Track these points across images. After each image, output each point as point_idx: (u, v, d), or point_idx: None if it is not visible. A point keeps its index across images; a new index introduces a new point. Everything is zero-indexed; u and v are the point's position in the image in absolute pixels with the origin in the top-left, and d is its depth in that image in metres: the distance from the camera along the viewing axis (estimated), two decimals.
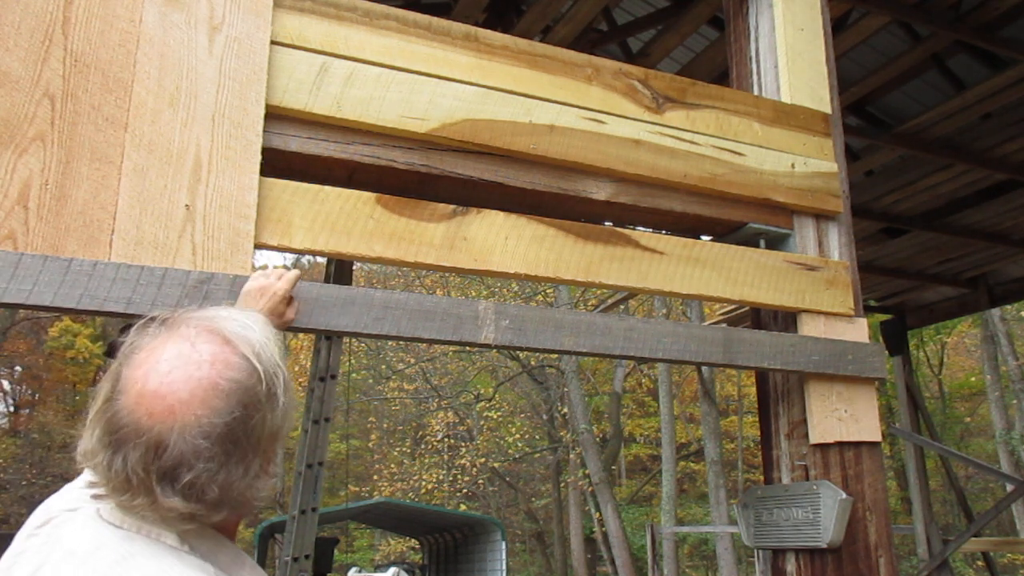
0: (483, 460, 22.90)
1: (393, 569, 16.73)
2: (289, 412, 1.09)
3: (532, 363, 21.07)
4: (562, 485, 22.72)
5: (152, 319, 1.08)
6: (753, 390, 5.72)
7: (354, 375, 22.30)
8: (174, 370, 0.99)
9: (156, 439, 0.97)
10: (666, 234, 2.49)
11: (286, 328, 1.68)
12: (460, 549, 20.98)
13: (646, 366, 21.75)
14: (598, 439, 20.16)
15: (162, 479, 0.97)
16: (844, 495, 2.31)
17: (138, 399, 0.98)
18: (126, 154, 1.77)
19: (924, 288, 7.71)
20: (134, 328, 1.07)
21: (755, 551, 11.23)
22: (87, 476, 1.17)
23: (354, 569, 18.28)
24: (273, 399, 1.05)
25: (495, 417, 23.05)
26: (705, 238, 2.63)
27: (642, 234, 2.34)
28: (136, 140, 1.78)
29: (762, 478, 2.71)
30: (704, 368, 14.26)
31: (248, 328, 1.08)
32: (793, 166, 2.63)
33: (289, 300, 1.65)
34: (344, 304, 1.87)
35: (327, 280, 5.76)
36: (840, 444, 2.44)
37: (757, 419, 2.82)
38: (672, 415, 17.50)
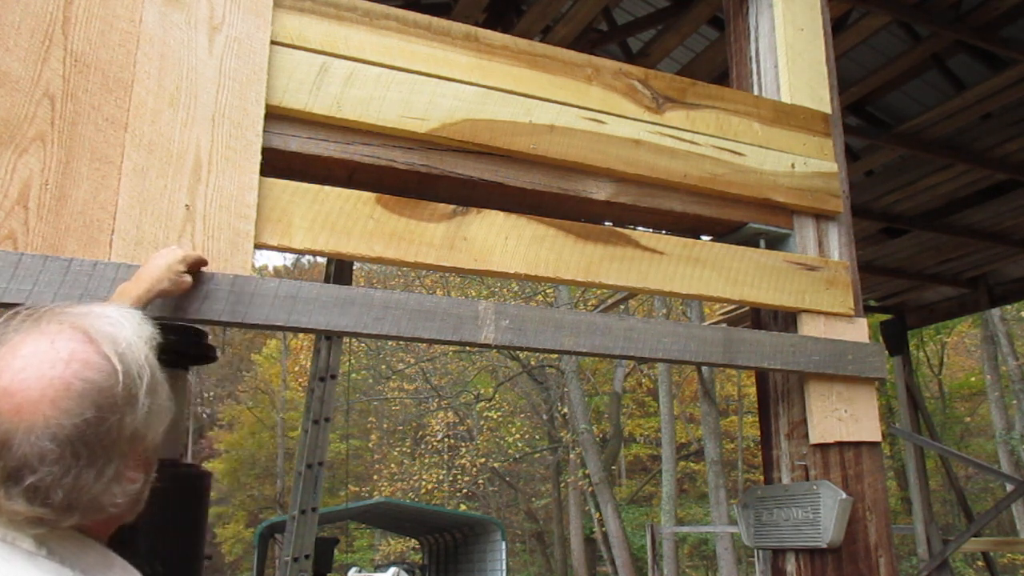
0: (483, 460, 22.89)
1: (393, 569, 16.72)
2: (155, 415, 1.03)
3: (532, 363, 21.07)
4: (562, 485, 22.72)
5: (19, 311, 1.03)
6: (753, 390, 5.72)
7: (354, 375, 22.29)
8: (28, 367, 0.96)
9: (1, 439, 0.93)
10: (666, 234, 2.49)
11: (183, 288, 1.66)
12: (460, 549, 20.97)
13: (646, 366, 21.75)
14: (598, 439, 20.16)
15: (6, 481, 0.93)
16: (844, 495, 2.31)
17: None
18: (126, 154, 1.77)
19: (924, 288, 7.71)
20: (1, 320, 1.03)
21: (755, 551, 11.23)
22: None
23: (354, 569, 18.26)
24: (132, 401, 1.00)
25: (495, 417, 23.04)
26: (705, 238, 2.63)
27: (642, 234, 2.34)
28: (136, 140, 1.78)
29: (762, 478, 2.71)
30: (704, 368, 14.26)
31: (118, 326, 1.04)
32: (793, 166, 2.63)
33: (190, 268, 1.67)
34: (344, 304, 1.87)
35: (327, 280, 5.76)
36: (840, 444, 2.44)
37: (757, 419, 2.82)
38: (672, 415, 17.50)
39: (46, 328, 1.00)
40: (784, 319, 2.64)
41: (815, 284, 2.54)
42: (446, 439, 24.29)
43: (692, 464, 23.70)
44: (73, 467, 0.95)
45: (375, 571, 18.50)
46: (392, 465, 24.89)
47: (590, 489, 18.90)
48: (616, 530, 16.93)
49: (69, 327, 1.01)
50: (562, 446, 21.59)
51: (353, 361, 21.19)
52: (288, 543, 5.33)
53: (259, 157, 1.89)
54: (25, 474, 0.93)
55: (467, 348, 6.18)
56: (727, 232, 2.61)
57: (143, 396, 1.01)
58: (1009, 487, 11.01)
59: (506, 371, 22.70)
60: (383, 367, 24.03)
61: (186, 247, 1.75)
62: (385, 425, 26.81)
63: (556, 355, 11.09)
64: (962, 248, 6.81)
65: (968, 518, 7.99)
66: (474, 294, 20.21)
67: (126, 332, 1.04)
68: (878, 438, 2.49)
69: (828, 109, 2.81)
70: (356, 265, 13.16)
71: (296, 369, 26.78)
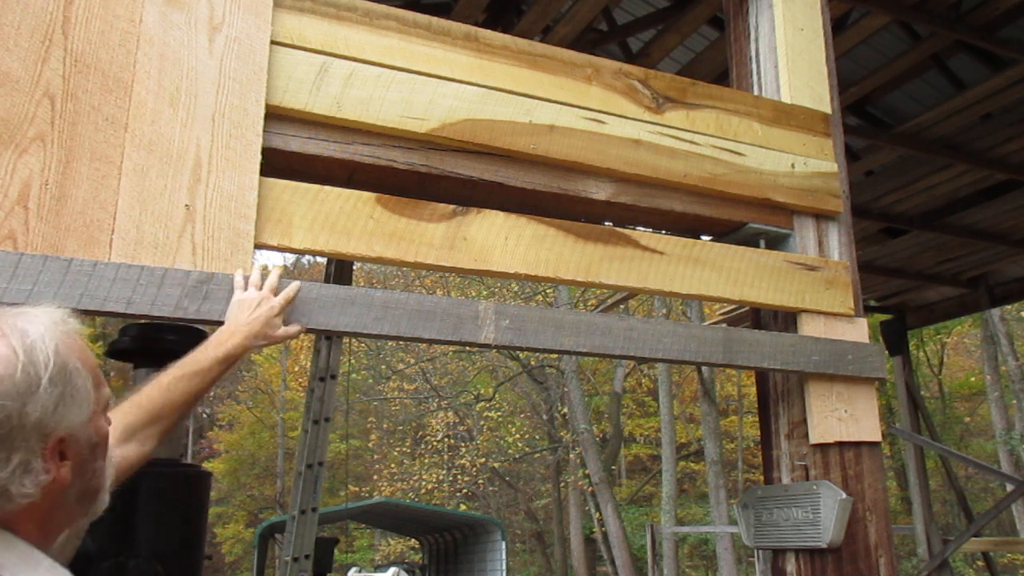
0: (483, 460, 22.89)
1: (393, 569, 16.72)
2: (63, 406, 1.04)
3: (532, 363, 21.07)
4: (562, 485, 22.72)
5: None
6: (753, 390, 5.72)
7: (354, 375, 22.29)
8: None
9: None
10: (666, 234, 2.49)
11: (279, 342, 1.75)
12: (460, 549, 20.96)
13: (646, 366, 21.75)
14: (598, 439, 20.16)
15: None
16: (844, 495, 2.31)
17: None
18: (126, 154, 1.77)
19: (924, 288, 7.71)
20: None
21: (755, 551, 11.23)
22: None
23: (354, 569, 18.26)
24: (33, 391, 1.02)
25: (495, 417, 23.05)
26: (705, 238, 2.63)
27: (642, 234, 2.34)
28: (136, 140, 1.78)
29: (762, 478, 2.71)
30: (704, 368, 14.26)
31: (33, 321, 1.07)
32: (793, 166, 2.63)
33: (286, 316, 1.76)
34: (344, 304, 1.87)
35: (327, 280, 5.76)
36: (840, 444, 2.44)
37: (757, 419, 2.82)
38: (672, 415, 17.50)
39: None
40: (784, 319, 2.64)
41: (815, 284, 2.54)
42: (446, 439, 24.29)
43: (692, 464, 23.69)
44: None
45: (375, 571, 18.49)
46: (392, 465, 24.89)
47: (590, 489, 18.89)
48: (616, 530, 16.93)
49: None
50: (562, 446, 21.58)
51: (353, 361, 21.19)
52: (288, 543, 5.33)
53: (259, 157, 1.89)
54: None
55: (467, 348, 6.18)
56: (727, 232, 2.61)
57: (45, 384, 1.02)
58: (1009, 487, 11.01)
59: (506, 371, 22.71)
60: (383, 367, 24.03)
61: (267, 288, 1.77)
62: (385, 425, 26.79)
63: (556, 355, 11.10)
64: (962, 248, 6.81)
65: (968, 518, 7.99)
66: (474, 294, 20.21)
67: (37, 326, 1.06)
68: (878, 438, 2.49)
69: (828, 109, 2.81)
70: (356, 265, 13.16)
71: (296, 369, 26.77)
